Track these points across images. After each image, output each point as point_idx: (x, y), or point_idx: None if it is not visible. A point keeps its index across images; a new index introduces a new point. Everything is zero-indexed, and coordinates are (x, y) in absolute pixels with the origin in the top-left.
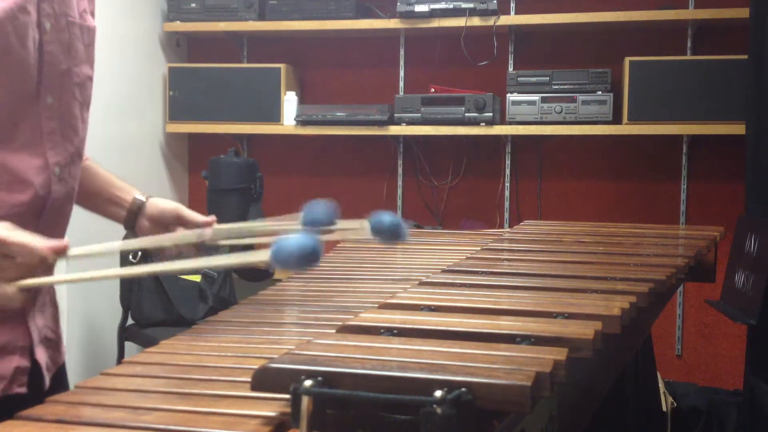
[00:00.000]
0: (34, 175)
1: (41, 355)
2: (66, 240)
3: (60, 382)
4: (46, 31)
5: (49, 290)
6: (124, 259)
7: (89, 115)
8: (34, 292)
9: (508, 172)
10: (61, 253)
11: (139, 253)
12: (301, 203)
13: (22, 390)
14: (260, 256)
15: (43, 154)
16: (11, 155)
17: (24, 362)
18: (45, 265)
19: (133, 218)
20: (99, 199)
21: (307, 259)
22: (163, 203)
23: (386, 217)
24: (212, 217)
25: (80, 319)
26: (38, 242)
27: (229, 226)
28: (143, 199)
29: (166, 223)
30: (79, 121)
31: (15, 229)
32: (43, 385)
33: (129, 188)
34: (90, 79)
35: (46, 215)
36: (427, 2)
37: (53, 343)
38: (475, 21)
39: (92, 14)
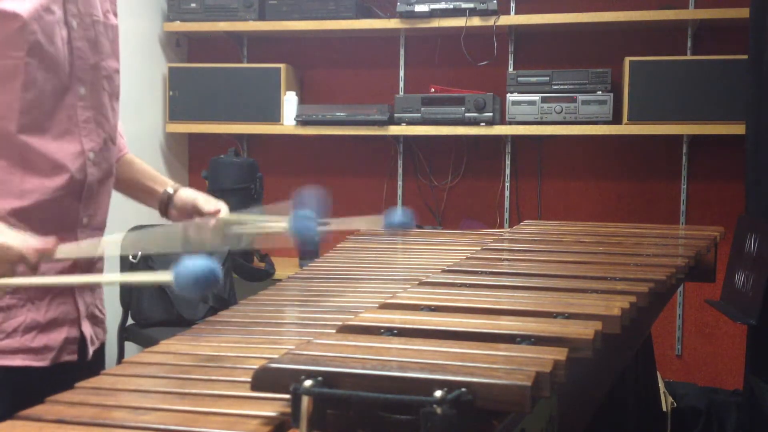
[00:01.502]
0: (71, 161)
1: (87, 328)
2: (52, 240)
3: (100, 357)
4: (73, 29)
5: (100, 271)
6: (124, 260)
7: (119, 104)
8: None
9: (508, 172)
10: (46, 253)
11: (139, 254)
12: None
13: (72, 358)
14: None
15: (79, 141)
16: (51, 143)
17: (74, 332)
18: (29, 265)
19: (164, 208)
20: (137, 190)
21: (205, 282)
22: (185, 194)
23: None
24: (218, 208)
25: None
26: (20, 242)
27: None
28: (171, 191)
29: (188, 212)
30: (109, 110)
31: (5, 230)
32: (87, 354)
33: (163, 181)
34: (117, 71)
35: (85, 197)
36: (427, 2)
37: (98, 321)
38: (475, 21)
39: (114, 14)
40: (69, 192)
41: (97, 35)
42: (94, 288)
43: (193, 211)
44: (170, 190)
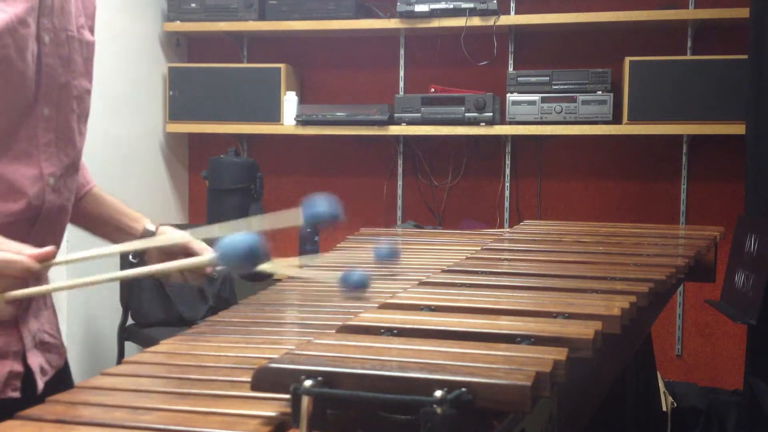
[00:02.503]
0: (29, 186)
1: (34, 360)
2: (51, 247)
3: (64, 383)
4: (45, 44)
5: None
6: (124, 262)
7: (86, 127)
8: (26, 302)
9: (508, 172)
10: (46, 259)
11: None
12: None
13: (16, 395)
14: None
15: (38, 164)
16: (6, 165)
17: (17, 367)
18: (33, 275)
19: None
20: (109, 227)
21: (252, 257)
22: (173, 234)
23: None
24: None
25: (80, 320)
26: (19, 253)
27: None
28: (153, 229)
29: (174, 253)
30: (76, 134)
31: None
32: (35, 389)
33: (139, 217)
34: (88, 92)
35: (39, 224)
36: (427, 2)
37: (51, 347)
38: (475, 21)
39: (91, 30)
40: (22, 218)
41: (70, 52)
42: (37, 313)
43: (180, 253)
44: (151, 228)
